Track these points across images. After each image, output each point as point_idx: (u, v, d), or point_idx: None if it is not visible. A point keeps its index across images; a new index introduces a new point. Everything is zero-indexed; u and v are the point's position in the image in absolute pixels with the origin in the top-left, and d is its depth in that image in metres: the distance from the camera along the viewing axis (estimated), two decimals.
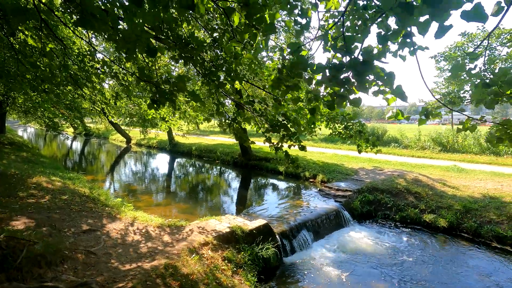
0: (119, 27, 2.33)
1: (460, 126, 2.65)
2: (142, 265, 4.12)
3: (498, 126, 2.49)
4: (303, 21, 2.41)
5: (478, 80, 2.41)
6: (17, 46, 4.57)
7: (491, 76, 2.26)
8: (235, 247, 5.59)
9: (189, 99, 2.78)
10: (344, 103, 2.29)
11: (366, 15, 2.21)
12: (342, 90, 2.16)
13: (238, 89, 6.28)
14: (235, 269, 5.05)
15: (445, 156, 15.96)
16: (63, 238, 4.49)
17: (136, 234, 5.36)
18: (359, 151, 6.22)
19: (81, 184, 8.71)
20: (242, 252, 5.55)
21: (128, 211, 6.80)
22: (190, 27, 4.42)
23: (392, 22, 3.96)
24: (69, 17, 5.04)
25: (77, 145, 32.88)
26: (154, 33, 2.72)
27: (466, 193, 9.06)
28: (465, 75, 2.45)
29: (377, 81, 2.14)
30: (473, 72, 2.44)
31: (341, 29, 2.27)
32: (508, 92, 2.15)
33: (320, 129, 6.82)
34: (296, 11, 2.60)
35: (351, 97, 2.24)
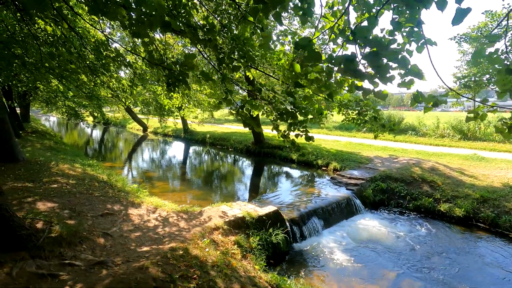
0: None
1: (470, 115, 2.50)
2: (156, 247, 4.32)
3: None
4: (304, 6, 2.35)
5: (498, 65, 2.22)
6: (41, 34, 4.73)
7: None
8: (245, 232, 5.73)
9: (201, 78, 2.86)
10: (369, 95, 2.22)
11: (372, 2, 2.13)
12: (364, 82, 2.12)
13: (251, 79, 6.24)
14: (244, 253, 5.19)
15: (465, 144, 15.40)
16: (82, 220, 4.76)
17: (151, 219, 5.59)
18: (375, 137, 6.15)
19: (100, 171, 9.10)
20: (252, 237, 5.69)
21: (143, 197, 7.07)
22: (199, 14, 4.45)
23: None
24: (83, 8, 5.14)
25: (96, 133, 34.00)
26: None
27: (485, 182, 8.78)
28: (485, 61, 2.26)
29: (392, 65, 2.06)
30: (494, 56, 2.26)
31: (347, 21, 2.20)
32: None
33: (332, 115, 6.70)
34: None
35: (376, 89, 2.17)
